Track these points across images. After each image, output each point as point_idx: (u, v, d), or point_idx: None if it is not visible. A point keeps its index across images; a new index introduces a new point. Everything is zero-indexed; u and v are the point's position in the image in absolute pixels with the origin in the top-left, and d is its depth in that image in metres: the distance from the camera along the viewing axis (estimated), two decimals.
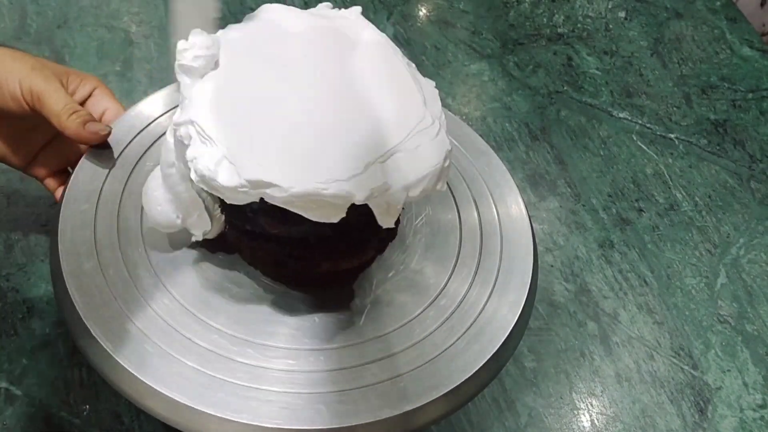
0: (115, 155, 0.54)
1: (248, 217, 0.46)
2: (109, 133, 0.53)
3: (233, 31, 0.50)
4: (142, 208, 0.52)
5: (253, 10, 0.51)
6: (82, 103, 0.57)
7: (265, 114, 0.44)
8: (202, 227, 0.49)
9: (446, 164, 0.45)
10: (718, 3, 1.02)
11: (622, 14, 1.00)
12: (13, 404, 0.57)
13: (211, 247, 0.51)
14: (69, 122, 0.52)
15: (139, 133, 0.56)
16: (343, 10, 0.52)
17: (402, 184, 0.43)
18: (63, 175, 0.60)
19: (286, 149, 0.43)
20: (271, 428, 0.43)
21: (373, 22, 0.52)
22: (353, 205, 0.42)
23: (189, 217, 0.48)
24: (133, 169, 0.54)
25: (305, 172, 0.42)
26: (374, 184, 0.42)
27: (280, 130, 0.44)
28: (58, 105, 0.52)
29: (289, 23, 0.50)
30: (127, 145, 0.55)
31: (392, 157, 0.44)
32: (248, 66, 0.48)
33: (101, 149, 0.54)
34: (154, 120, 0.57)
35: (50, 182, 0.60)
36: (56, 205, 0.52)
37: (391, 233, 0.51)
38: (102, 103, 0.57)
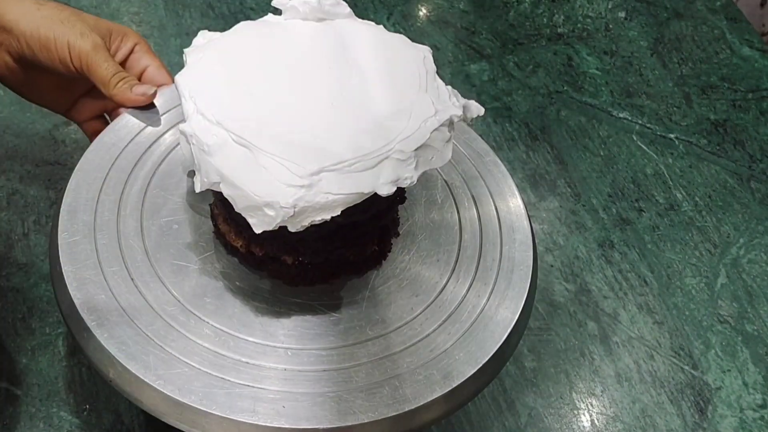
0: (115, 155, 0.54)
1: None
2: (155, 94, 0.56)
3: (234, 33, 0.50)
4: (143, 207, 0.52)
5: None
6: (125, 61, 0.60)
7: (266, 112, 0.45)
8: None
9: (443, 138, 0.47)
10: (718, 3, 1.02)
11: (622, 14, 1.00)
12: (13, 404, 0.57)
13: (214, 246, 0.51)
14: (117, 90, 0.55)
15: (137, 134, 0.56)
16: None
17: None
18: (100, 120, 0.64)
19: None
20: (271, 428, 0.43)
21: (372, 22, 0.52)
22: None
23: None
24: (132, 169, 0.54)
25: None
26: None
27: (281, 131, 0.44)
28: (107, 74, 0.55)
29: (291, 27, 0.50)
30: (126, 146, 0.55)
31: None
32: (250, 66, 0.48)
33: (106, 142, 0.55)
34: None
35: (88, 126, 0.64)
36: (56, 205, 0.52)
37: (392, 228, 0.52)
38: (143, 60, 0.60)
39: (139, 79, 0.60)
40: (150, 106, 0.56)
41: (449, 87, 0.50)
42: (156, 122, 0.56)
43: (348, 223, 0.45)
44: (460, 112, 0.48)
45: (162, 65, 0.61)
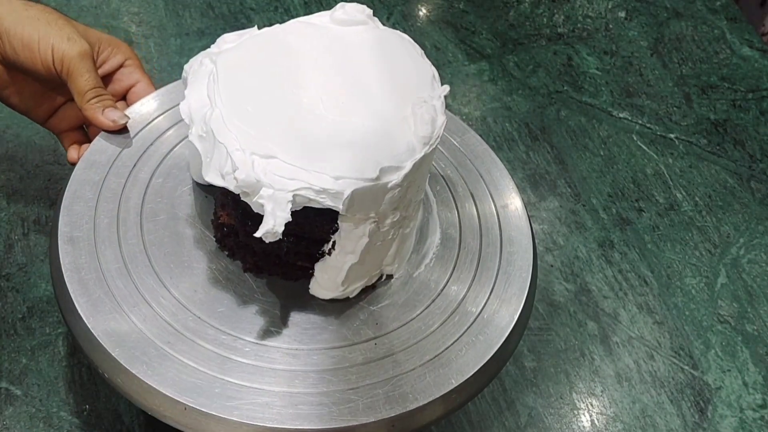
0: (115, 154, 0.54)
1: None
2: (125, 123, 0.54)
3: (237, 38, 0.50)
4: (142, 207, 0.52)
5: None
6: (112, 73, 0.58)
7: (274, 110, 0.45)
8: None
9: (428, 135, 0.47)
10: (718, 3, 1.02)
11: (622, 14, 1.00)
12: (13, 404, 0.57)
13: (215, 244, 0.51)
14: (88, 105, 0.54)
15: (138, 133, 0.56)
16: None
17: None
18: (79, 132, 0.62)
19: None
20: (271, 428, 0.43)
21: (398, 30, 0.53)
22: None
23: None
24: (132, 169, 0.54)
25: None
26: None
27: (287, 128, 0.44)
28: (85, 85, 0.54)
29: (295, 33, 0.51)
30: (126, 145, 0.55)
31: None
32: (254, 70, 0.48)
33: (106, 142, 0.54)
34: (154, 120, 0.57)
35: (66, 137, 0.62)
36: (56, 205, 0.52)
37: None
38: (132, 76, 0.59)
39: (126, 94, 0.59)
40: (122, 130, 0.55)
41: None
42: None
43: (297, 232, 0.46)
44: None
45: (151, 84, 0.59)
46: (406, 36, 0.52)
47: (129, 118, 0.55)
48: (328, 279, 0.48)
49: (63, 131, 0.62)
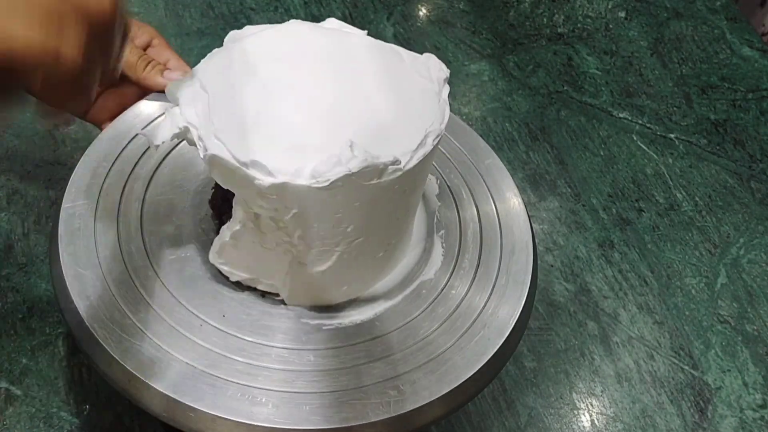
0: (115, 154, 0.54)
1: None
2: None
3: (239, 42, 0.50)
4: (143, 207, 0.52)
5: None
6: (143, 50, 0.58)
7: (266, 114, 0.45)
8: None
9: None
10: (718, 3, 1.02)
11: (622, 14, 1.00)
12: (13, 404, 0.57)
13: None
14: (146, 74, 0.55)
15: (137, 134, 0.56)
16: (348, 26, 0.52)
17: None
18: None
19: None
20: (271, 428, 0.43)
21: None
22: None
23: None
24: (132, 168, 0.54)
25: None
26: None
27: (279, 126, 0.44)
28: (132, 58, 0.55)
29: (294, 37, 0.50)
30: (126, 145, 0.55)
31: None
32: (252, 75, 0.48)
33: (106, 142, 0.54)
34: (153, 120, 0.57)
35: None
36: (56, 205, 0.52)
37: None
38: (164, 54, 0.59)
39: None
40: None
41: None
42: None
43: None
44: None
45: (181, 60, 0.60)
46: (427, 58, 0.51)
47: (185, 73, 0.54)
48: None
49: (103, 121, 0.61)
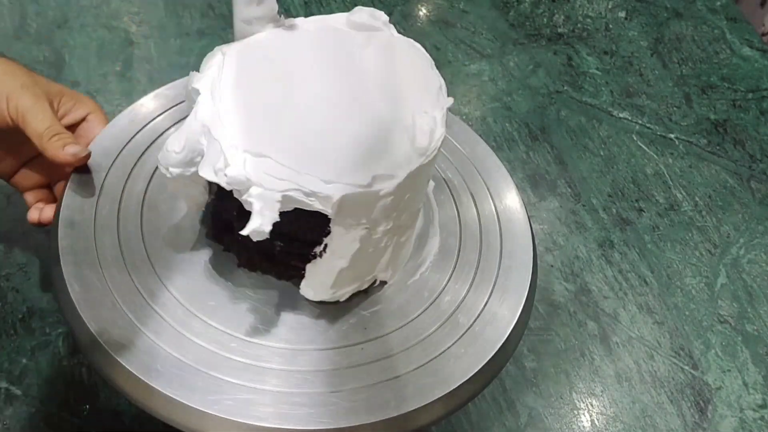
0: (115, 154, 0.54)
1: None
2: (88, 156, 0.53)
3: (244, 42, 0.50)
4: (142, 207, 0.52)
5: None
6: (74, 126, 0.57)
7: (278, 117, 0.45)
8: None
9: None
10: (718, 3, 1.02)
11: (622, 14, 1.00)
12: (13, 404, 0.57)
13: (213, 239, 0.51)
14: (49, 144, 0.52)
15: (138, 132, 0.56)
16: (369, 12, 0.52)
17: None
18: (45, 190, 0.61)
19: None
20: (271, 428, 0.43)
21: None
22: None
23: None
24: (132, 168, 0.54)
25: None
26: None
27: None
28: (41, 126, 0.52)
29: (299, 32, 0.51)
30: (126, 144, 0.55)
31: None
32: (259, 73, 0.48)
33: (106, 143, 0.54)
34: (154, 119, 0.57)
35: (29, 196, 0.60)
36: (56, 205, 0.52)
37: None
38: (96, 130, 0.57)
39: None
40: (86, 171, 0.53)
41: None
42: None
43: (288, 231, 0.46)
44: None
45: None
46: (418, 45, 0.52)
47: (90, 151, 0.53)
48: (319, 281, 0.48)
49: (28, 189, 0.60)
